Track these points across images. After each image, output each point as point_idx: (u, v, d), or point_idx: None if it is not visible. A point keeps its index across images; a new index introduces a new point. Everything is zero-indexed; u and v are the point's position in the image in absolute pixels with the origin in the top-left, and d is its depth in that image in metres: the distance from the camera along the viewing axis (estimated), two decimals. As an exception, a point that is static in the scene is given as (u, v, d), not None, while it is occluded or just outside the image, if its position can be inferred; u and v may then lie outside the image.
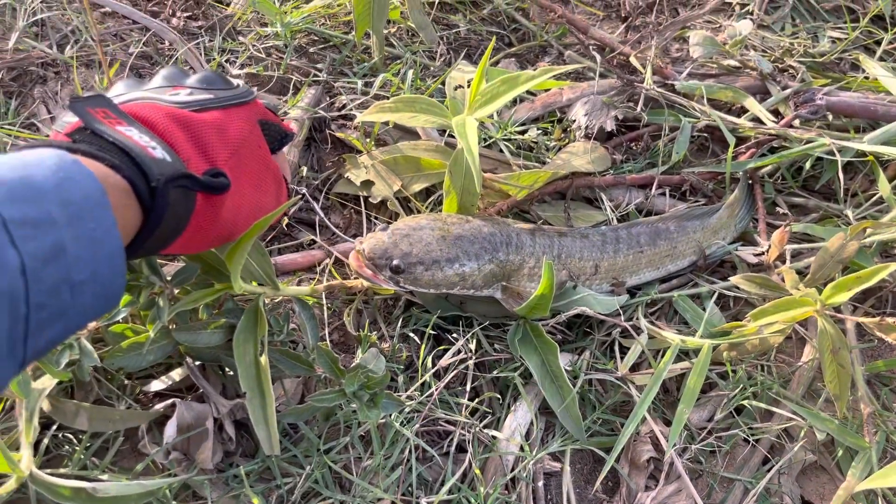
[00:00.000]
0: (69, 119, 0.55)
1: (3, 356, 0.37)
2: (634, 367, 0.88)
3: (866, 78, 1.20)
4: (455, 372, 0.84)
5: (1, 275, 0.36)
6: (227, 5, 1.26)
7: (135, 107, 0.57)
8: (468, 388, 0.84)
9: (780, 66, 1.24)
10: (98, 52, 0.98)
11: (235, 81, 0.68)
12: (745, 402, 0.86)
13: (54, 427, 0.73)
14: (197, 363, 0.78)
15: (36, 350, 0.40)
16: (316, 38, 1.22)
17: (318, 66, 1.17)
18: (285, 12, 1.19)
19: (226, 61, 1.15)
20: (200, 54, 1.14)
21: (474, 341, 0.87)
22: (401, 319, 0.90)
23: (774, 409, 0.86)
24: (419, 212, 1.00)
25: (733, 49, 1.17)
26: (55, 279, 0.40)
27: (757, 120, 1.10)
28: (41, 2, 1.14)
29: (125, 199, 0.48)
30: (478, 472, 0.79)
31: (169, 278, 0.67)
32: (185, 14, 1.22)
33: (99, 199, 0.43)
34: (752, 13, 1.38)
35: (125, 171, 0.48)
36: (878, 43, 1.32)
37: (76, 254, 0.41)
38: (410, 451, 0.79)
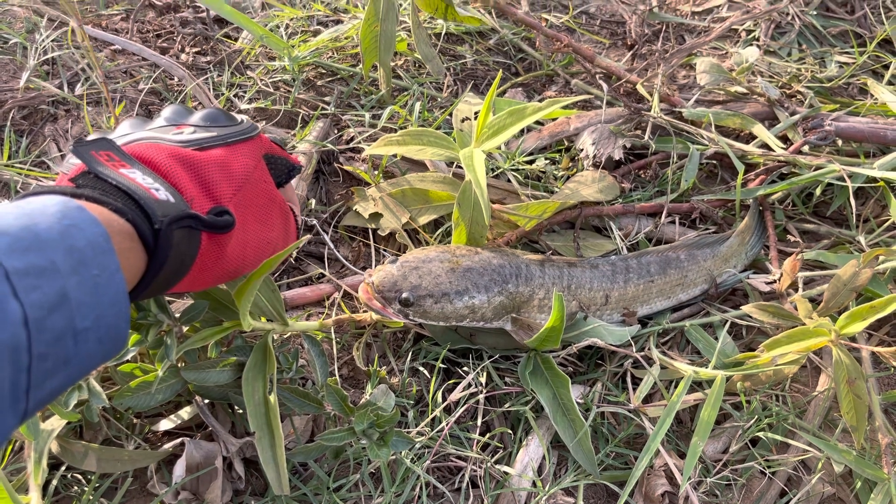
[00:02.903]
0: (75, 161, 0.55)
1: (6, 408, 0.37)
2: (647, 399, 0.87)
3: (875, 102, 1.19)
4: (466, 406, 0.83)
5: (3, 327, 0.36)
6: (236, 40, 1.27)
7: (138, 147, 0.57)
8: (479, 422, 0.84)
9: (787, 91, 1.24)
10: (104, 93, 0.99)
11: (239, 117, 0.68)
12: (760, 434, 0.85)
13: (63, 468, 0.73)
14: (206, 401, 0.78)
15: (38, 401, 0.39)
16: (323, 71, 1.23)
17: (326, 99, 1.18)
18: (293, 46, 1.20)
19: (234, 96, 1.16)
20: (209, 90, 1.15)
21: (484, 374, 0.86)
22: (410, 353, 0.89)
23: (790, 440, 0.84)
24: (428, 244, 0.99)
25: (740, 75, 1.17)
26: (59, 328, 0.39)
27: (766, 146, 1.09)
28: (52, 41, 1.15)
29: (129, 242, 0.48)
30: (490, 508, 0.78)
31: (177, 316, 0.67)
32: (195, 50, 1.24)
33: (102, 244, 0.43)
34: (758, 39, 1.38)
35: (128, 214, 0.48)
36: (886, 67, 1.32)
37: (79, 301, 0.41)
38: (421, 488, 0.78)
